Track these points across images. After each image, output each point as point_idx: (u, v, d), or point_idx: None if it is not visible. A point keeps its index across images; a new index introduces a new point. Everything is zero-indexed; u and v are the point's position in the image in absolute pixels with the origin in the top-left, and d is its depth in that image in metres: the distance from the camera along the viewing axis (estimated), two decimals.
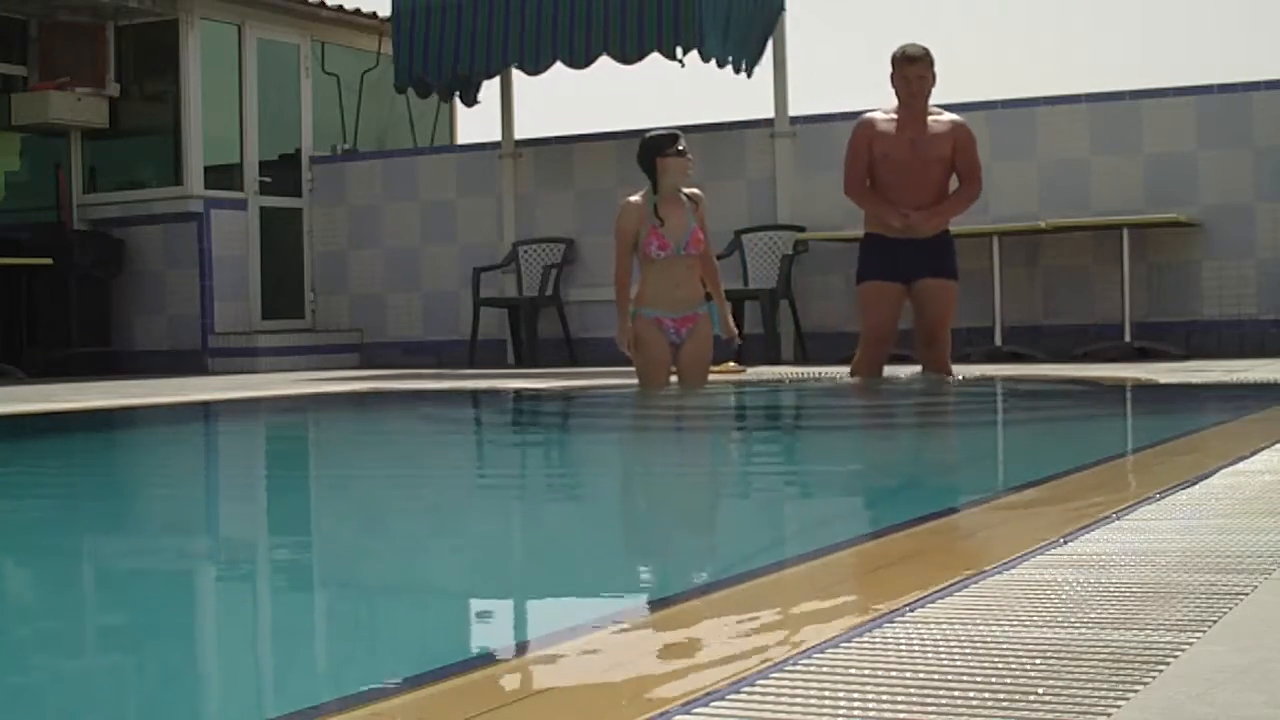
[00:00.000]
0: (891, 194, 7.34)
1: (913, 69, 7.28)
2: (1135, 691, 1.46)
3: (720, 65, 11.08)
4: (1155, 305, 10.42)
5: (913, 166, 7.30)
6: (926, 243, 7.30)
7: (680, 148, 7.07)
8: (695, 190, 7.23)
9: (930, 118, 7.38)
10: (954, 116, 7.47)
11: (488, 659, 1.88)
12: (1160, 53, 19.72)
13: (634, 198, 7.21)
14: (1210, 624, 1.74)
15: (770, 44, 11.53)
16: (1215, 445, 4.29)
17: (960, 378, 7.38)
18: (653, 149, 7.12)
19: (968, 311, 10.75)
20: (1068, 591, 1.95)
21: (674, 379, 7.22)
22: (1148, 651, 1.61)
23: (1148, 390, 7.01)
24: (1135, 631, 1.71)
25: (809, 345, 11.01)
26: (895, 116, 7.38)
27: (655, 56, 10.97)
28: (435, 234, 12.64)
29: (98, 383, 10.23)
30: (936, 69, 7.33)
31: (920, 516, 2.93)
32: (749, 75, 11.45)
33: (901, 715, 1.42)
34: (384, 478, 4.63)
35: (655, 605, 2.21)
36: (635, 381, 7.35)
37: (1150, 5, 19.99)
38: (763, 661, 1.63)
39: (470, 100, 12.34)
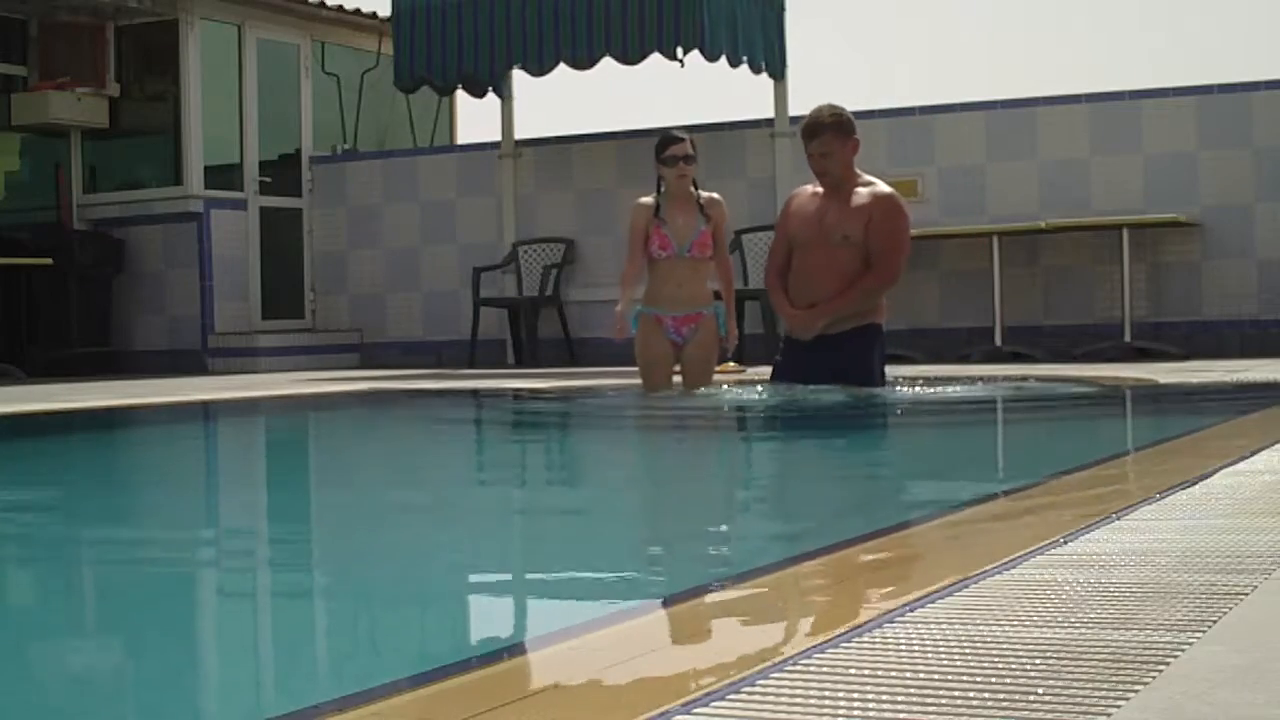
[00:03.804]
0: (799, 284, 6.46)
1: (813, 144, 6.45)
2: (1135, 691, 1.46)
3: (733, 65, 11.08)
4: (1155, 305, 10.42)
5: (819, 251, 6.39)
6: (834, 343, 6.37)
7: (675, 153, 7.02)
8: (713, 195, 7.18)
9: (856, 189, 6.45)
10: (881, 188, 6.47)
11: (487, 659, 1.88)
12: (1160, 53, 19.72)
13: (646, 198, 7.20)
14: (1210, 624, 1.74)
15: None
16: (1215, 445, 4.28)
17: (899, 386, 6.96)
18: (655, 151, 7.12)
19: (968, 311, 10.77)
20: (1068, 591, 1.95)
21: (678, 378, 7.21)
22: (1148, 651, 1.61)
23: (1148, 390, 7.01)
24: (1135, 631, 1.71)
25: None
26: (820, 190, 6.56)
27: (657, 57, 10.98)
28: (435, 234, 12.64)
29: (98, 383, 10.23)
30: (855, 135, 6.52)
31: (920, 516, 2.93)
32: (777, 77, 11.44)
33: (901, 715, 1.42)
34: (383, 477, 4.63)
35: (654, 605, 2.21)
36: (628, 382, 7.34)
37: (1150, 5, 20.00)
38: (763, 661, 1.63)
39: (479, 92, 12.31)
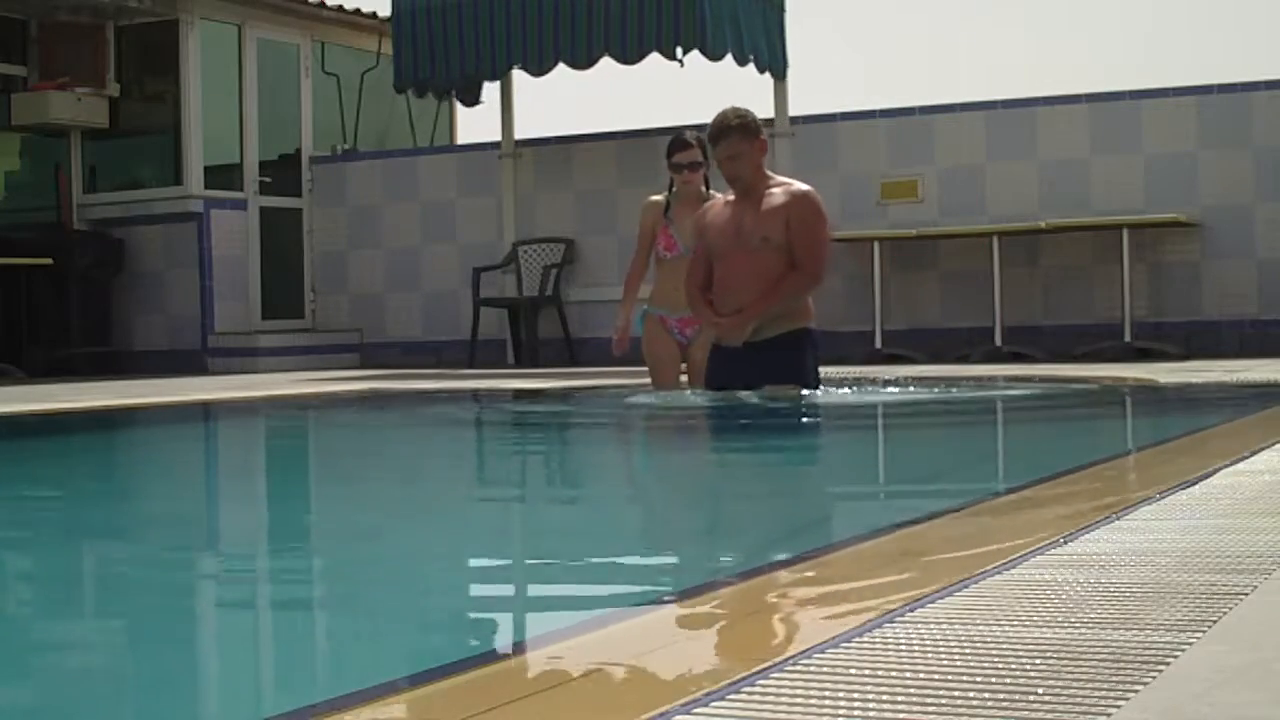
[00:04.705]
0: (723, 292, 6.30)
1: (720, 148, 6.28)
2: (1135, 691, 1.46)
3: (740, 64, 11.09)
4: (1155, 305, 10.42)
5: (739, 257, 6.23)
6: (765, 348, 6.23)
7: (679, 161, 6.97)
8: (725, 197, 7.14)
9: (769, 190, 6.28)
10: (797, 187, 6.32)
11: (487, 658, 1.88)
12: (1160, 53, 19.73)
13: (656, 196, 7.19)
14: (1210, 624, 1.74)
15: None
16: (1215, 445, 4.28)
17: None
18: (665, 153, 7.10)
19: (968, 311, 10.77)
20: (1068, 591, 1.95)
21: (684, 378, 7.20)
22: (1148, 651, 1.61)
23: (1148, 390, 7.01)
24: (1135, 631, 1.71)
25: None
26: (733, 198, 6.40)
27: (656, 57, 10.98)
28: (435, 234, 12.64)
29: (98, 383, 10.23)
30: (762, 135, 6.33)
31: (920, 516, 2.93)
32: (779, 76, 11.45)
33: (901, 715, 1.42)
34: (382, 478, 4.63)
35: (654, 605, 2.21)
36: (627, 383, 7.34)
37: (1150, 5, 19.99)
38: (763, 661, 1.63)
39: (470, 100, 12.36)
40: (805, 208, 6.23)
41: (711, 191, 7.05)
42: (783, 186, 6.32)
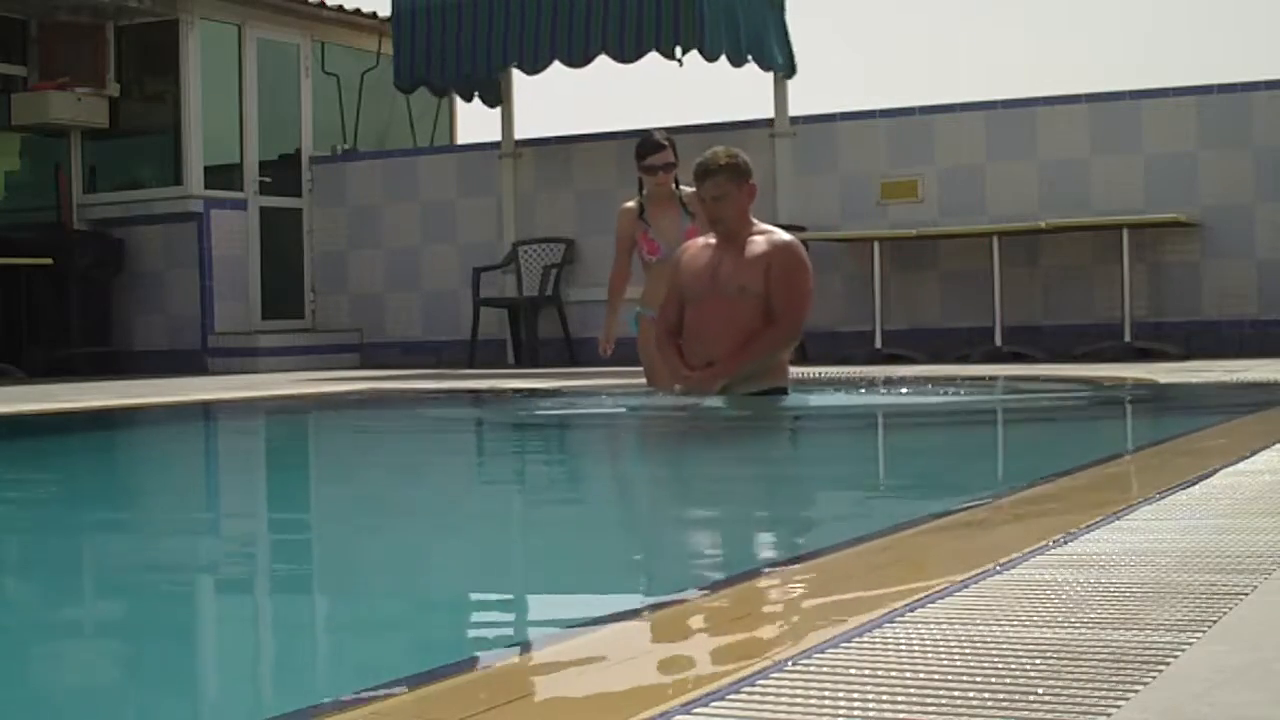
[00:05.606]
0: (694, 340, 6.00)
1: (706, 186, 5.97)
2: (1135, 691, 1.46)
3: (735, 64, 11.08)
4: (1155, 305, 10.42)
5: (713, 304, 5.90)
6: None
7: (654, 163, 6.94)
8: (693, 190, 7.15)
9: (751, 237, 5.97)
10: (780, 236, 6.02)
11: (487, 659, 1.88)
12: (1160, 53, 19.73)
13: (629, 202, 7.18)
14: (1210, 624, 1.74)
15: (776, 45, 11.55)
16: (1215, 445, 4.28)
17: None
18: (635, 155, 7.07)
19: (968, 311, 10.78)
20: (1068, 591, 1.95)
21: None
22: (1148, 651, 1.61)
23: (1148, 390, 7.01)
24: (1135, 631, 1.71)
25: (808, 345, 11.01)
26: (714, 241, 6.09)
27: (656, 56, 10.99)
28: (435, 234, 12.64)
29: (98, 383, 10.23)
30: (752, 180, 6.00)
31: (920, 516, 2.93)
32: (787, 76, 11.45)
33: (901, 715, 1.41)
34: (381, 480, 4.64)
35: (655, 606, 2.21)
36: (625, 383, 7.34)
37: (1150, 5, 19.99)
38: (763, 661, 1.63)
39: (493, 101, 12.36)
40: (788, 258, 5.91)
41: (681, 188, 7.00)
42: (766, 235, 6.02)
